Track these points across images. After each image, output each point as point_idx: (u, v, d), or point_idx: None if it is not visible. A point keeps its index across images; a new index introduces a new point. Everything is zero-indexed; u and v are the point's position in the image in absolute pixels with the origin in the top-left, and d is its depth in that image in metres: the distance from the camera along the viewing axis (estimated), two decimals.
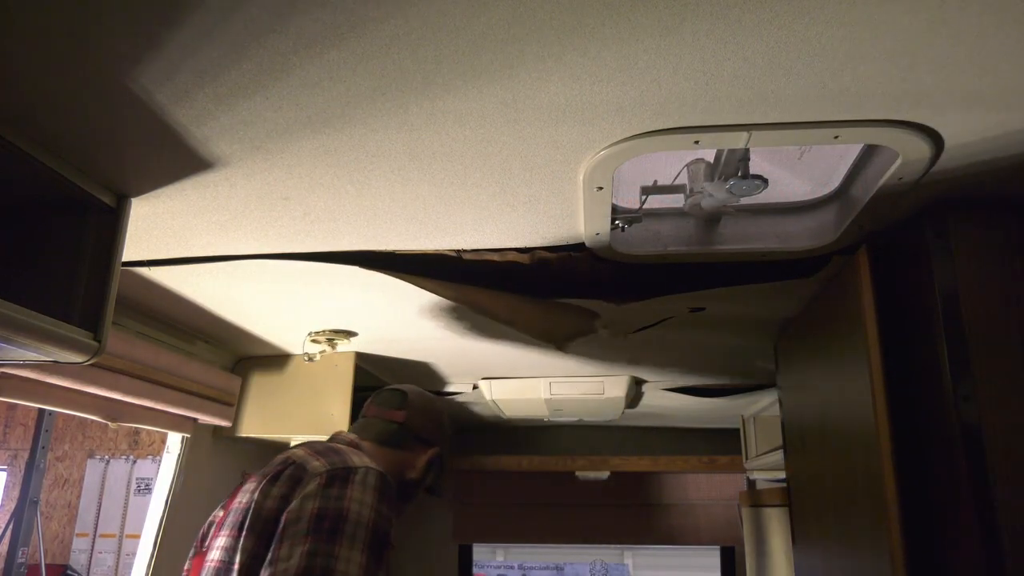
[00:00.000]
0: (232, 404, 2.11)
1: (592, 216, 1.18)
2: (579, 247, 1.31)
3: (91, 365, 1.07)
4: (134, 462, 6.61)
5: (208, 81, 0.80)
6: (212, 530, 1.35)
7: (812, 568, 1.60)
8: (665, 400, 2.80)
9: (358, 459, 1.26)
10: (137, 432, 6.78)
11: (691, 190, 1.20)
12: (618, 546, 3.88)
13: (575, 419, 3.20)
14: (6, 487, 6.82)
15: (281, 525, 1.13)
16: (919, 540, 1.11)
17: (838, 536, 1.44)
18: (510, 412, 2.85)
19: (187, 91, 0.82)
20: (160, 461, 2.08)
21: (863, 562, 1.29)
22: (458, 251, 1.34)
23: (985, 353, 1.05)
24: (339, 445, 1.36)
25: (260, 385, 2.21)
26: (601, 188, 1.12)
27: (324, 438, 1.54)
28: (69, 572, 6.34)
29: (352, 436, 1.47)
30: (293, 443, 2.27)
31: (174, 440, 2.05)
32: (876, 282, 1.22)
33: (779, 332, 1.81)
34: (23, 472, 5.49)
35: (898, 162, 1.02)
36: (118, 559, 6.30)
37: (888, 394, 1.17)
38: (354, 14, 0.69)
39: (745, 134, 0.93)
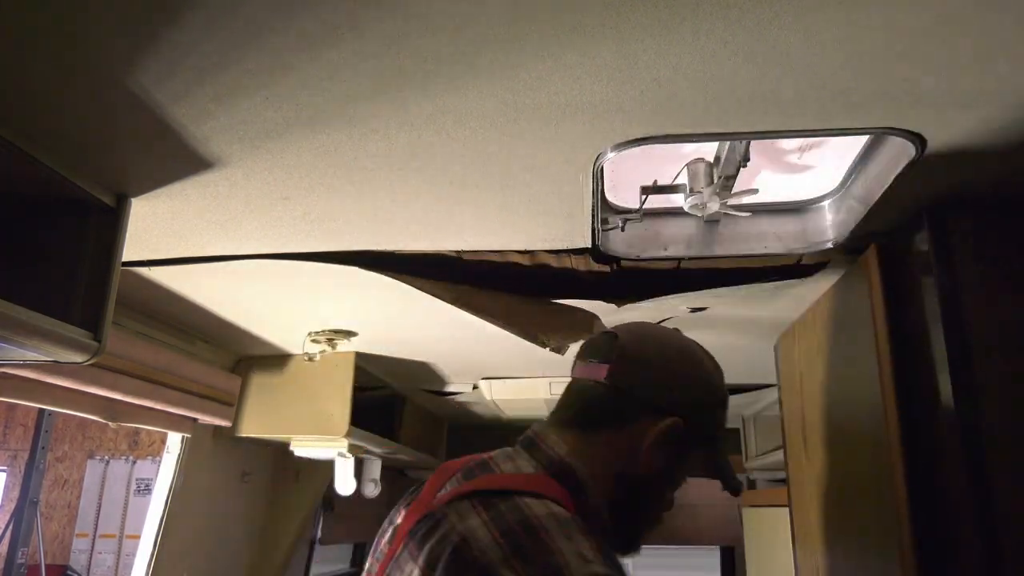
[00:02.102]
0: (232, 404, 2.11)
1: (592, 216, 1.18)
2: (579, 248, 1.31)
3: (91, 365, 1.07)
4: (134, 462, 6.61)
5: (208, 80, 0.80)
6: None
7: (812, 568, 1.60)
8: None
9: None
10: (137, 432, 6.78)
11: (691, 190, 1.20)
12: None
13: None
14: (6, 487, 6.83)
15: None
16: (926, 541, 1.11)
17: (840, 536, 1.44)
18: (510, 412, 2.84)
19: (187, 90, 0.81)
20: (160, 461, 2.08)
21: (867, 562, 1.29)
22: (458, 252, 1.34)
23: (985, 353, 1.05)
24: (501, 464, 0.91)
25: (260, 385, 2.21)
26: (601, 188, 1.12)
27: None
28: (69, 572, 6.34)
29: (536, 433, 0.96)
30: (293, 443, 2.28)
31: (174, 440, 2.05)
32: (885, 282, 1.22)
33: (779, 332, 1.81)
34: (23, 472, 5.49)
35: (898, 162, 1.02)
36: (118, 559, 6.30)
37: (897, 395, 1.17)
38: (354, 14, 0.69)
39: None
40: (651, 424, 0.92)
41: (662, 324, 1.11)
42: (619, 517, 0.92)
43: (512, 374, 2.38)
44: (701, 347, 1.02)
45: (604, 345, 0.98)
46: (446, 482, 0.92)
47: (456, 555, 0.74)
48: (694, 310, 1.63)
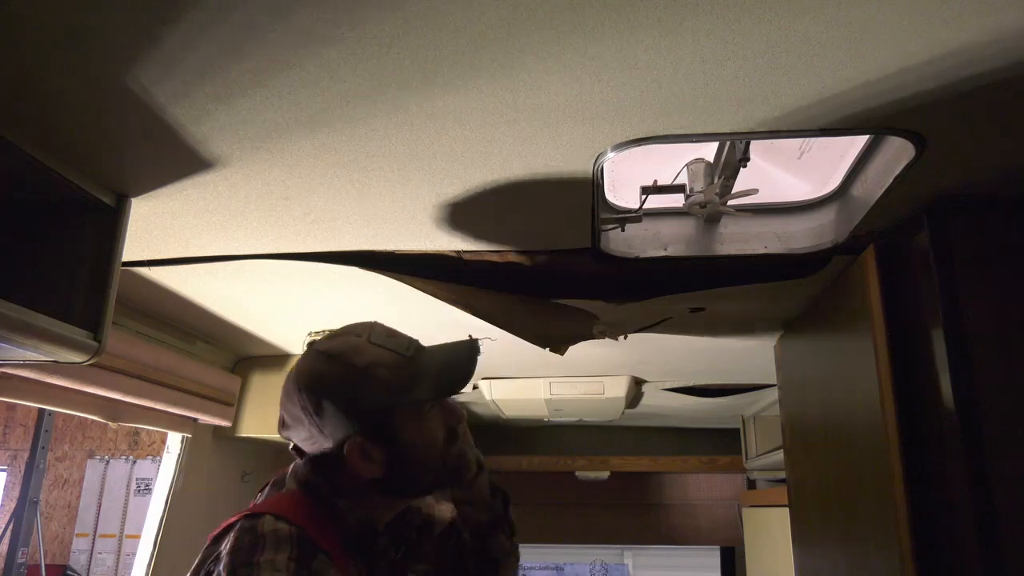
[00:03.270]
0: (232, 404, 2.11)
1: (592, 216, 1.18)
2: (579, 247, 1.31)
3: (91, 365, 1.07)
4: (134, 462, 6.61)
5: (207, 80, 0.80)
6: None
7: (812, 568, 1.60)
8: (665, 400, 2.80)
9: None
10: (137, 432, 6.78)
11: (691, 190, 1.20)
12: (618, 546, 3.88)
13: (575, 419, 3.19)
14: (6, 487, 6.82)
15: None
16: (925, 540, 1.11)
17: (840, 536, 1.44)
18: (510, 412, 2.84)
19: (186, 90, 0.81)
20: (160, 461, 2.08)
21: (867, 561, 1.29)
22: (458, 252, 1.34)
23: (985, 353, 1.05)
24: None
25: (260, 385, 2.21)
26: (601, 188, 1.12)
27: None
28: (69, 572, 6.34)
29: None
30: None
31: (174, 440, 2.05)
32: (883, 282, 1.22)
33: (779, 332, 1.81)
34: (23, 472, 5.49)
35: (898, 162, 1.02)
36: (118, 559, 6.30)
37: (896, 394, 1.17)
38: (354, 13, 0.69)
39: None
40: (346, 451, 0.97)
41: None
42: (397, 485, 1.01)
43: (512, 374, 2.38)
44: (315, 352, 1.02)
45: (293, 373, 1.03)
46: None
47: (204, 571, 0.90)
48: (694, 310, 1.63)
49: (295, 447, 1.02)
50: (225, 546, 0.88)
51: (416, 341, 1.04)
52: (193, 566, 0.92)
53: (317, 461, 0.99)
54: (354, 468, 0.96)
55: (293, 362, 2.20)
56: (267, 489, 1.06)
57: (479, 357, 1.04)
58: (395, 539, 1.07)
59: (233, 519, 0.93)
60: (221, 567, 0.86)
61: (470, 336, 1.06)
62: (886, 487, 1.16)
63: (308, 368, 0.99)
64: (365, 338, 1.00)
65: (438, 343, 1.05)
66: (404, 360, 1.00)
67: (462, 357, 1.03)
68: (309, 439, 0.99)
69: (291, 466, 1.04)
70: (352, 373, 0.97)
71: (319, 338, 1.05)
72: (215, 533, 0.94)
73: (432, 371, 1.00)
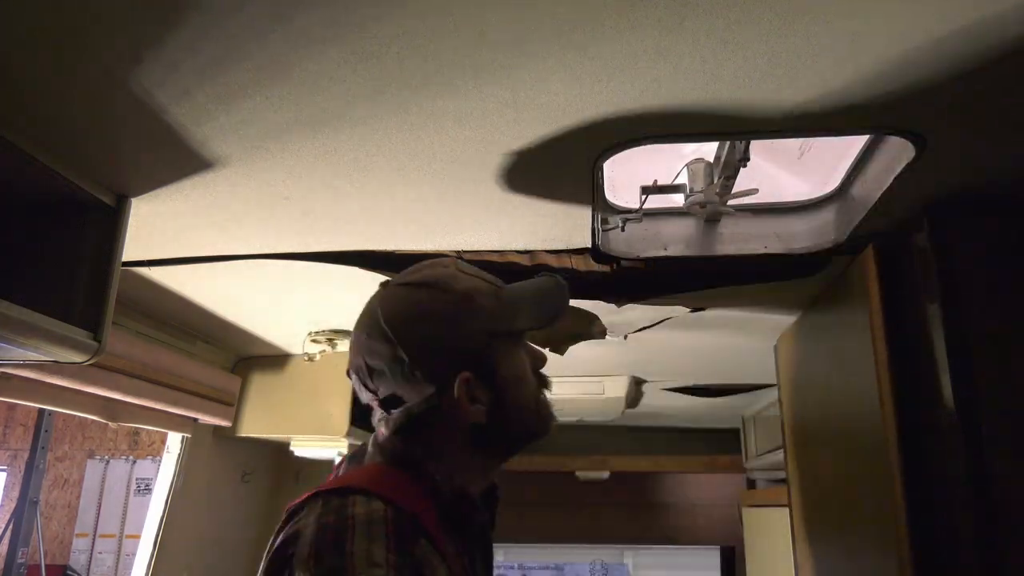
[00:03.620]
0: (232, 404, 2.11)
1: (592, 216, 1.18)
2: (579, 247, 1.31)
3: (91, 365, 1.07)
4: (134, 462, 6.60)
5: (208, 81, 0.80)
6: None
7: (812, 568, 1.60)
8: (665, 400, 2.80)
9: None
10: (137, 432, 6.77)
11: (691, 190, 1.20)
12: (618, 546, 3.88)
13: (575, 419, 3.19)
14: (6, 487, 6.82)
15: None
16: (924, 540, 1.11)
17: (840, 536, 1.44)
18: None
19: (187, 91, 0.81)
20: (160, 461, 2.08)
21: (866, 561, 1.29)
22: (458, 252, 1.34)
23: (985, 353, 1.05)
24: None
25: (260, 385, 2.21)
26: (601, 188, 1.12)
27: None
28: (69, 572, 6.33)
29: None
30: (293, 443, 2.28)
31: (174, 440, 2.05)
32: (883, 282, 1.22)
33: (779, 332, 1.81)
34: (23, 472, 5.49)
35: (898, 162, 1.02)
36: (118, 559, 6.30)
37: (895, 395, 1.17)
38: (354, 13, 0.69)
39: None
40: (448, 392, 0.87)
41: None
42: (494, 440, 0.92)
43: None
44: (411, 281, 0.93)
45: (369, 323, 0.92)
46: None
47: (280, 549, 0.77)
48: (694, 310, 1.63)
49: (382, 405, 0.90)
50: (303, 527, 0.77)
51: (497, 278, 0.97)
52: (268, 550, 0.80)
53: (407, 420, 0.88)
54: (460, 411, 0.87)
55: (293, 362, 2.16)
56: (343, 467, 0.94)
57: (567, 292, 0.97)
58: (489, 512, 0.96)
59: (311, 492, 0.82)
60: (301, 550, 0.74)
61: (547, 273, 0.99)
62: (885, 487, 1.16)
63: (400, 303, 0.89)
64: (454, 268, 0.94)
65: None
66: (497, 289, 0.94)
67: (552, 290, 0.97)
68: (402, 390, 0.87)
69: (370, 439, 0.94)
70: (455, 300, 0.89)
71: (393, 278, 0.95)
72: (293, 505, 0.82)
73: (529, 300, 0.95)
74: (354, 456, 0.95)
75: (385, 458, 0.89)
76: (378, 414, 0.92)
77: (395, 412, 0.89)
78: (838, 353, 1.42)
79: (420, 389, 0.87)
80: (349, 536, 0.74)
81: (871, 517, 1.25)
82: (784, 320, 1.71)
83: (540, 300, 0.96)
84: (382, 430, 0.91)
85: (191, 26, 0.70)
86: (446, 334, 0.88)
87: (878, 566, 1.23)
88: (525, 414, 0.94)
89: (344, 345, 1.98)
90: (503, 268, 1.39)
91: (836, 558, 1.45)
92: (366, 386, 0.90)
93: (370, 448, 0.93)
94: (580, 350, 1.93)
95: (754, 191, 1.20)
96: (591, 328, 1.66)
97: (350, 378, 0.94)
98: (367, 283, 1.48)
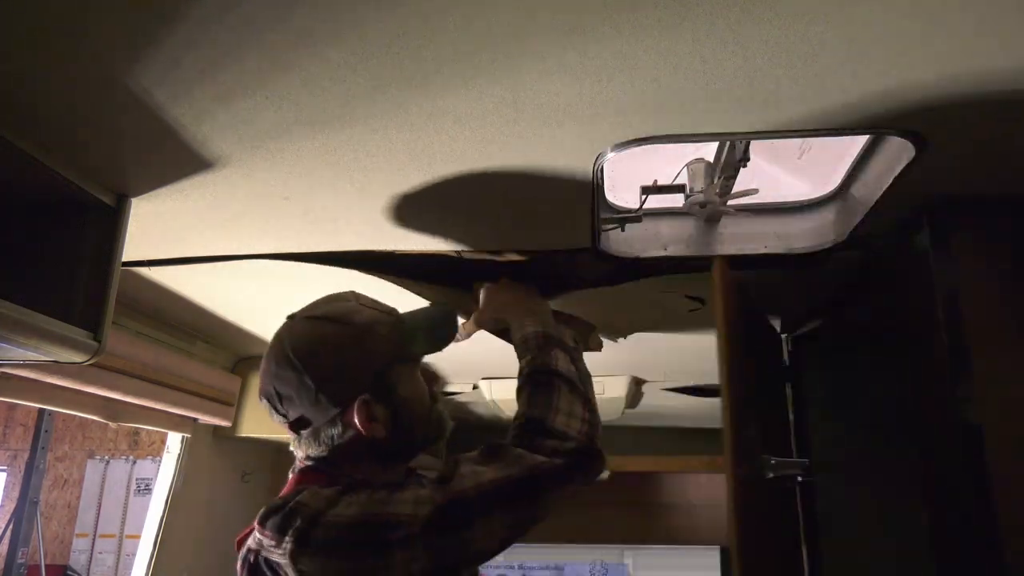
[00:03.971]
0: (232, 404, 2.11)
1: (592, 216, 1.18)
2: (579, 247, 1.31)
3: (91, 365, 1.07)
4: (134, 462, 6.60)
5: (207, 80, 0.80)
6: None
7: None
8: (665, 400, 2.80)
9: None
10: (137, 432, 6.77)
11: (691, 190, 1.20)
12: (618, 546, 3.88)
13: None
14: (6, 487, 6.82)
15: None
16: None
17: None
18: (510, 412, 2.84)
19: (186, 90, 0.81)
20: (160, 461, 2.08)
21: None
22: (458, 252, 1.34)
23: (986, 354, 1.05)
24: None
25: None
26: (601, 188, 1.12)
27: None
28: (69, 572, 6.33)
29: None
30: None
31: (174, 440, 2.05)
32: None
33: (779, 332, 1.81)
34: (23, 472, 5.49)
35: (898, 162, 1.02)
36: (118, 559, 6.29)
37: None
38: (354, 13, 0.69)
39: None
40: (349, 413, 0.97)
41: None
42: (396, 452, 1.03)
43: (512, 374, 2.37)
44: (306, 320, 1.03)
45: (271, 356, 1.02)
46: None
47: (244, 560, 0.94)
48: (692, 310, 1.62)
49: (291, 427, 0.99)
50: (266, 539, 0.89)
51: (393, 307, 1.08)
52: None
53: (317, 438, 0.98)
54: (361, 429, 0.96)
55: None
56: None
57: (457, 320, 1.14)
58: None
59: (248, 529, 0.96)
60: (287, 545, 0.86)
61: (438, 302, 1.13)
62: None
63: (306, 335, 0.99)
64: (355, 302, 1.04)
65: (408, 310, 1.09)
66: (393, 319, 1.04)
67: (441, 318, 1.12)
68: (309, 413, 0.97)
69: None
70: (356, 333, 0.99)
71: (297, 311, 1.05)
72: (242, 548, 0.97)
73: (422, 328, 1.07)
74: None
75: (312, 462, 1.00)
76: (291, 437, 1.02)
77: (304, 433, 0.99)
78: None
79: (325, 411, 0.96)
80: (299, 506, 0.88)
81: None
82: (784, 320, 1.71)
83: (432, 328, 1.09)
84: (298, 452, 1.02)
85: (190, 25, 0.70)
86: (347, 362, 0.98)
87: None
88: (421, 426, 1.04)
89: None
90: (503, 269, 1.39)
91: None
92: (276, 410, 0.99)
93: (296, 465, 1.03)
94: None
95: (754, 191, 1.20)
96: (588, 338, 1.65)
97: (261, 403, 1.03)
98: (367, 283, 1.48)
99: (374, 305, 1.05)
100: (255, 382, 2.20)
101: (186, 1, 0.67)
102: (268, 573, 0.90)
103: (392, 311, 1.06)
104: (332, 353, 0.97)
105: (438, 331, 1.09)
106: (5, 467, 6.94)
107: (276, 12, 0.68)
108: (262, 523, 0.90)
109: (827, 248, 1.28)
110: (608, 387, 2.43)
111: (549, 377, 1.08)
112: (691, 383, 2.58)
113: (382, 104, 0.85)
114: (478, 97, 0.84)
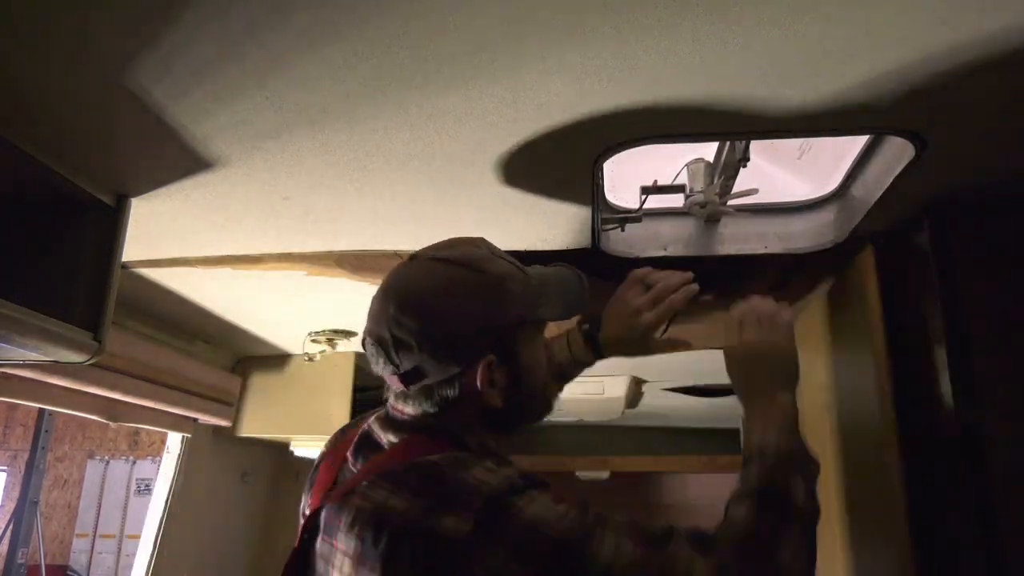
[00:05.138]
0: (232, 404, 2.11)
1: (592, 216, 1.18)
2: (579, 247, 1.31)
3: (91, 365, 1.07)
4: (134, 463, 6.61)
5: (207, 79, 0.80)
6: None
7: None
8: (665, 400, 2.80)
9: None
10: (137, 432, 6.78)
11: (691, 190, 1.20)
12: None
13: (575, 419, 3.19)
14: (6, 487, 6.83)
15: None
16: (925, 542, 1.11)
17: (841, 536, 1.44)
18: None
19: (186, 89, 0.81)
20: (160, 461, 2.08)
21: (868, 562, 1.29)
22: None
23: (985, 353, 1.05)
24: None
25: (260, 385, 2.21)
26: (601, 188, 1.12)
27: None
28: (69, 572, 6.34)
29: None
30: (293, 443, 2.28)
31: (174, 440, 2.05)
32: (883, 282, 1.22)
33: None
34: (23, 472, 5.49)
35: (898, 162, 1.02)
36: (118, 559, 6.30)
37: (895, 395, 1.17)
38: (354, 12, 0.69)
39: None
40: (472, 373, 0.87)
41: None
42: (505, 424, 0.93)
43: None
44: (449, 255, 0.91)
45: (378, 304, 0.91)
46: (341, 463, 0.92)
47: (378, 529, 0.77)
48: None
49: (402, 379, 0.87)
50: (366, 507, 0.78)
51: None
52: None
53: (429, 396, 0.87)
54: (479, 394, 0.86)
55: (293, 362, 2.15)
56: (350, 459, 0.90)
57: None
58: None
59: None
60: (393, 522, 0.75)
61: (564, 264, 1.00)
62: (886, 488, 1.16)
63: (434, 278, 0.87)
64: (486, 249, 0.92)
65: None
66: (525, 275, 0.92)
67: (573, 281, 0.98)
68: (427, 365, 0.85)
69: (375, 420, 0.92)
70: (490, 283, 0.88)
71: (420, 250, 0.93)
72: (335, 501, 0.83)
73: (552, 290, 0.94)
74: (361, 444, 0.91)
75: (421, 432, 0.88)
76: (395, 389, 0.90)
77: (413, 388, 0.87)
78: (837, 353, 1.42)
79: (445, 367, 0.85)
80: (444, 475, 0.79)
81: (872, 518, 1.25)
82: None
83: (563, 291, 0.96)
84: (402, 407, 0.90)
85: (189, 24, 0.70)
86: (478, 315, 0.86)
87: (880, 567, 1.23)
88: (536, 400, 0.95)
89: (344, 345, 1.98)
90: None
91: (836, 558, 1.45)
92: (388, 358, 0.87)
93: (384, 428, 0.90)
94: None
95: (754, 191, 1.20)
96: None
97: (364, 347, 0.92)
98: (367, 284, 1.48)
99: (507, 257, 0.93)
100: (255, 382, 2.21)
101: (186, 1, 0.67)
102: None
103: (522, 266, 0.93)
104: (463, 302, 0.86)
105: (569, 295, 0.96)
106: (5, 467, 6.95)
107: (276, 12, 0.68)
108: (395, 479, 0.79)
109: (827, 248, 1.28)
110: (608, 387, 2.44)
111: (784, 504, 0.83)
112: (691, 383, 2.58)
113: (382, 104, 0.86)
114: (478, 97, 0.84)
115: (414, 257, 0.93)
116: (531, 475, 0.83)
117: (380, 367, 0.90)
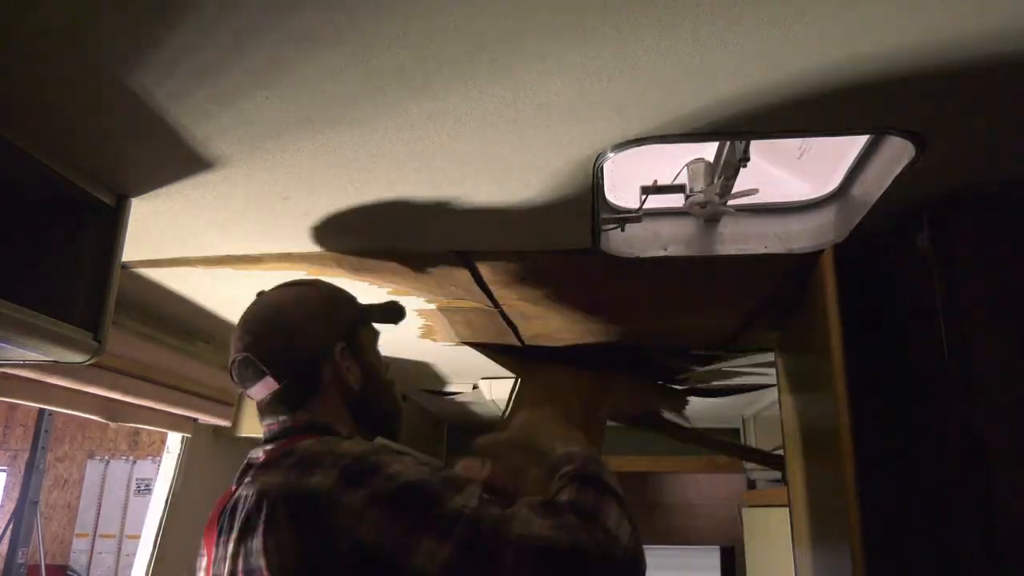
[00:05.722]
0: (232, 404, 2.11)
1: (592, 216, 1.18)
2: (579, 248, 1.31)
3: (91, 365, 1.07)
4: (134, 462, 6.61)
5: (208, 80, 0.80)
6: None
7: (812, 568, 1.60)
8: None
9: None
10: (137, 432, 6.78)
11: (691, 190, 1.20)
12: None
13: None
14: (6, 487, 6.82)
15: None
16: (887, 542, 1.11)
17: (840, 536, 1.44)
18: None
19: (186, 90, 0.81)
20: (160, 461, 2.08)
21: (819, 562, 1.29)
22: (457, 252, 1.34)
23: (985, 353, 1.05)
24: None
25: None
26: (601, 188, 1.12)
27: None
28: (69, 572, 6.34)
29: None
30: None
31: (174, 440, 2.05)
32: (841, 283, 1.21)
33: (779, 332, 1.81)
34: (23, 472, 5.49)
35: (898, 162, 1.02)
36: (118, 559, 6.30)
37: (852, 397, 1.16)
38: (354, 13, 0.69)
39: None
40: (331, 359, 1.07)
41: None
42: (367, 411, 1.09)
43: (512, 374, 2.38)
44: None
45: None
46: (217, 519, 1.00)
47: (258, 502, 0.88)
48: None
49: (279, 376, 1.04)
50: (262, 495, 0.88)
51: None
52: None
53: (294, 392, 1.03)
54: (340, 376, 1.05)
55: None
56: (251, 471, 0.99)
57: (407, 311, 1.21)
58: None
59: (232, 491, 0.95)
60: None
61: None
62: (843, 492, 1.15)
63: (283, 297, 1.10)
64: (315, 279, 1.18)
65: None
66: (352, 296, 1.17)
67: (395, 305, 1.20)
68: (287, 366, 1.04)
69: (248, 459, 1.02)
70: (328, 292, 1.13)
71: (267, 289, 1.13)
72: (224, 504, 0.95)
73: (377, 306, 1.17)
74: (243, 471, 1.02)
75: (302, 428, 1.02)
76: (263, 402, 1.05)
77: (283, 390, 1.03)
78: (814, 354, 1.42)
79: (301, 363, 1.04)
80: (323, 450, 0.91)
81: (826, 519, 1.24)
82: (782, 320, 1.71)
83: (386, 306, 1.18)
84: (271, 421, 1.05)
85: (190, 25, 0.70)
86: (326, 316, 1.08)
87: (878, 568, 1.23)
88: (385, 396, 1.13)
89: None
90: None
91: (836, 558, 1.45)
92: (259, 370, 1.04)
93: (273, 432, 1.04)
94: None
95: (754, 191, 1.20)
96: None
97: (232, 376, 1.09)
98: (367, 284, 1.48)
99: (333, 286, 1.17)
100: None
101: (186, 2, 0.67)
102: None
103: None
104: (308, 310, 1.08)
105: (392, 307, 1.19)
106: (5, 467, 6.94)
107: (277, 13, 0.68)
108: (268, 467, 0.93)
109: (827, 248, 1.28)
110: None
111: (600, 484, 0.94)
112: (691, 383, 2.58)
113: (382, 104, 0.86)
114: (478, 97, 0.84)
115: (260, 294, 1.12)
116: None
117: (250, 384, 1.06)
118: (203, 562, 0.98)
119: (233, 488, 0.98)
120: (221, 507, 0.97)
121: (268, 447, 1.01)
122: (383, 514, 0.83)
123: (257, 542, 0.86)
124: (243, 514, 0.89)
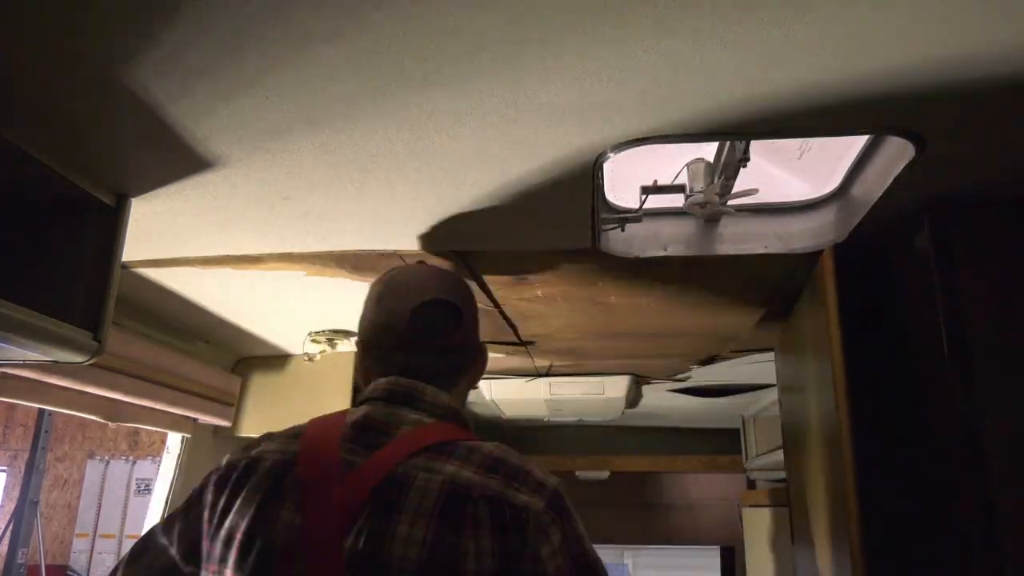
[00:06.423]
0: (232, 404, 2.11)
1: (592, 216, 1.18)
2: (579, 248, 1.31)
3: (91, 365, 1.07)
4: (134, 463, 6.61)
5: (207, 79, 0.80)
6: None
7: (812, 568, 1.60)
8: (665, 400, 2.80)
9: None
10: (137, 432, 6.78)
11: (691, 190, 1.20)
12: (618, 546, 3.88)
13: (575, 419, 3.20)
14: (6, 487, 6.82)
15: None
16: (884, 542, 1.11)
17: (837, 537, 1.44)
18: (510, 412, 2.84)
19: (186, 90, 0.81)
20: (160, 461, 2.08)
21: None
22: (457, 252, 1.34)
23: (985, 353, 1.05)
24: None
25: (260, 385, 2.21)
26: (601, 188, 1.12)
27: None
28: (69, 572, 6.34)
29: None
30: None
31: (174, 440, 2.05)
32: (841, 283, 1.21)
33: (780, 332, 1.81)
34: (23, 473, 5.49)
35: (898, 162, 1.02)
36: (118, 559, 6.29)
37: (851, 396, 1.16)
38: (355, 13, 0.69)
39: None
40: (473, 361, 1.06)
41: None
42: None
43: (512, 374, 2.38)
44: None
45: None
46: (340, 452, 0.96)
47: (459, 496, 0.85)
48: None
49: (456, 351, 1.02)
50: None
51: None
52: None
53: (460, 363, 1.03)
54: (479, 367, 1.07)
55: (293, 362, 2.16)
56: (347, 449, 0.96)
57: None
58: None
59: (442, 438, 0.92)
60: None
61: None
62: (845, 493, 1.15)
63: (454, 276, 1.11)
64: None
65: None
66: None
67: None
68: (470, 332, 1.05)
69: (368, 410, 1.01)
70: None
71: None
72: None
73: None
74: (367, 429, 0.98)
75: (453, 420, 0.98)
76: (434, 366, 1.00)
77: (452, 358, 1.02)
78: (813, 354, 1.42)
79: (468, 344, 1.05)
80: (508, 459, 0.91)
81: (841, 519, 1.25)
82: (782, 320, 1.71)
83: None
84: (422, 392, 0.98)
85: (190, 24, 0.70)
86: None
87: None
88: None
89: (344, 345, 1.98)
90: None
91: (835, 559, 1.45)
92: (458, 324, 1.02)
93: (418, 411, 0.97)
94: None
95: (754, 191, 1.20)
96: None
97: (423, 312, 1.00)
98: (367, 284, 1.48)
99: None
100: (255, 382, 2.20)
101: (186, 1, 0.67)
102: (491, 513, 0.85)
103: None
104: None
105: None
106: (5, 467, 6.95)
107: (276, 12, 0.68)
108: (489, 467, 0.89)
109: (827, 248, 1.28)
110: (608, 387, 2.43)
111: None
112: (691, 383, 2.58)
113: (382, 104, 0.86)
114: (478, 97, 0.84)
115: (422, 261, 1.11)
116: None
117: (443, 333, 1.01)
118: (285, 513, 0.94)
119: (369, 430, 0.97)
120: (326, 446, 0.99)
121: (428, 420, 0.95)
122: (569, 564, 0.85)
123: (468, 541, 0.83)
124: (434, 498, 0.84)
